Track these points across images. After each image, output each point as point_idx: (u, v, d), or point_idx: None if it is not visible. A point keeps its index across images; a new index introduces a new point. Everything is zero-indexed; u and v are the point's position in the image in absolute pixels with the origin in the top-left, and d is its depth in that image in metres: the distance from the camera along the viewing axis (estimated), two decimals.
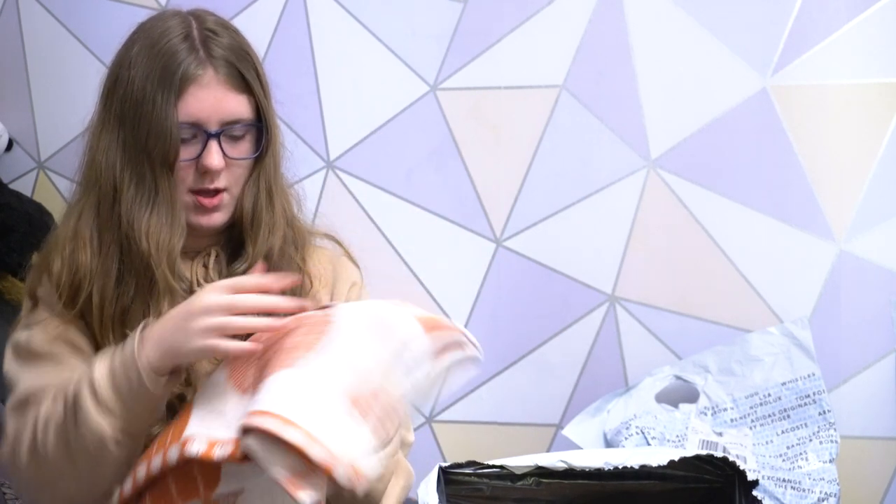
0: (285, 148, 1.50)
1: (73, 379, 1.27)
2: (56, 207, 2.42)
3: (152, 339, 1.23)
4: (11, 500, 1.92)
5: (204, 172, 1.35)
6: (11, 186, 2.44)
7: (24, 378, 1.34)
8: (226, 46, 1.39)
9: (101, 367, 1.25)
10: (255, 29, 2.18)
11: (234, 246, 1.44)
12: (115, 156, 1.38)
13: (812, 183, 2.06)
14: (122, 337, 1.32)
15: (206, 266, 1.40)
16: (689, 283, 2.10)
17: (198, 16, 1.43)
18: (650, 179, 2.12)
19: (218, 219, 1.38)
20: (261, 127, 1.40)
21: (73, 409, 1.24)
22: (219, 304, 1.20)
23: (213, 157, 1.34)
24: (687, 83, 2.11)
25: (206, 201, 1.36)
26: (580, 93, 2.15)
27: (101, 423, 1.22)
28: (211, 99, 1.36)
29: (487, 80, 2.18)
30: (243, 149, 1.38)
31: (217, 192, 1.37)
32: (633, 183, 2.13)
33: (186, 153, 1.35)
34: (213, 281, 1.36)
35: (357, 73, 2.25)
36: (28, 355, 1.36)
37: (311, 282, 1.43)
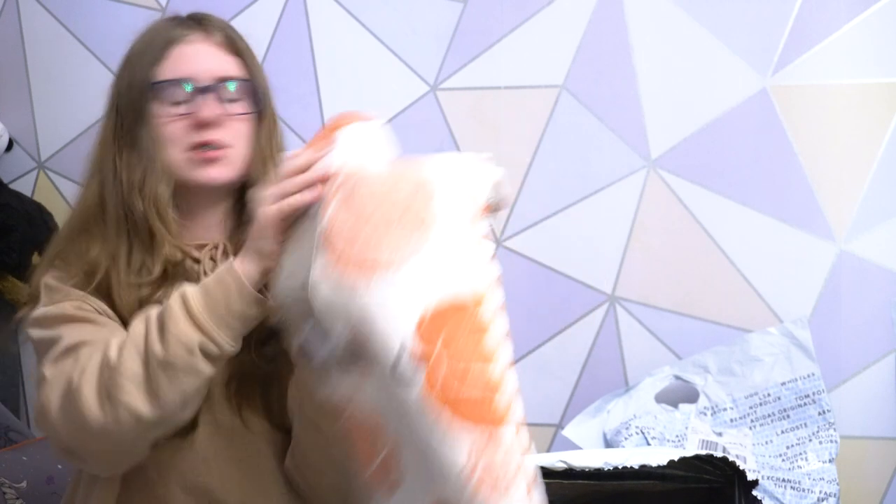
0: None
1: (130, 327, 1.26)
2: (56, 207, 2.42)
3: (239, 256, 1.24)
4: (12, 500, 1.92)
5: (201, 126, 1.36)
6: (11, 186, 2.45)
7: (67, 333, 1.31)
8: (216, 20, 1.44)
9: (191, 288, 1.24)
10: (255, 29, 2.19)
11: (236, 221, 1.44)
12: (110, 136, 1.40)
13: (812, 183, 2.06)
14: (138, 292, 1.33)
15: (213, 259, 1.40)
16: (689, 283, 2.10)
17: (196, 11, 1.46)
18: (650, 179, 2.12)
19: (222, 173, 1.38)
20: (255, 89, 1.41)
21: (158, 324, 1.22)
22: (272, 194, 1.22)
23: (208, 107, 1.35)
24: (687, 83, 2.11)
25: (209, 154, 1.37)
26: (580, 93, 2.15)
27: (191, 332, 1.20)
28: (200, 54, 1.38)
29: (487, 80, 2.19)
30: (240, 106, 1.39)
31: (219, 147, 1.38)
32: (633, 183, 2.13)
33: (179, 108, 1.36)
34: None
35: (357, 73, 2.25)
36: (62, 319, 1.33)
37: None
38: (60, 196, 2.43)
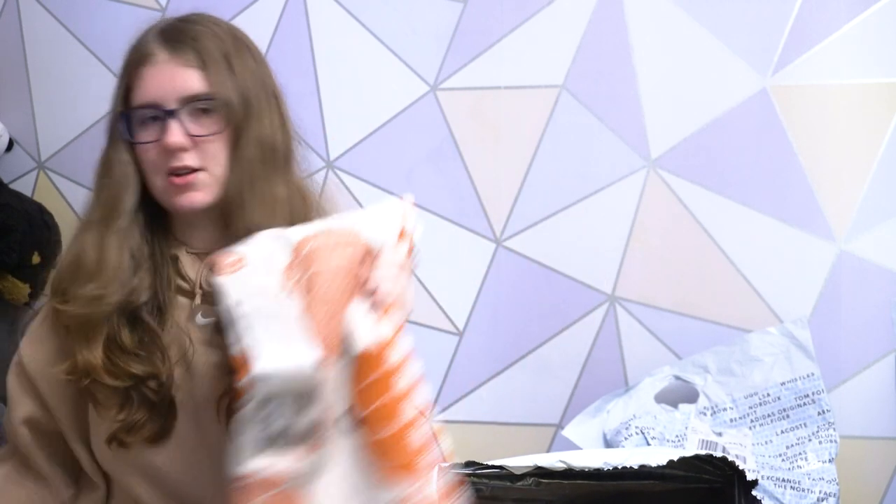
0: (301, 144, 1.48)
1: None
2: (56, 207, 2.42)
3: None
4: None
5: (170, 152, 1.35)
6: (11, 186, 2.45)
7: None
8: (190, 30, 1.38)
9: None
10: (255, 29, 2.18)
11: (231, 235, 1.43)
12: (104, 153, 1.40)
13: (812, 183, 2.06)
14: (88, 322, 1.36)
15: (211, 269, 1.40)
16: (689, 283, 2.10)
17: (185, 15, 1.43)
18: (650, 179, 2.12)
19: (196, 198, 1.36)
20: (229, 103, 1.34)
21: None
22: None
23: (171, 134, 1.33)
24: (687, 83, 2.11)
25: (179, 180, 1.35)
26: (580, 93, 2.15)
27: None
28: (162, 76, 1.35)
29: (487, 80, 2.19)
30: (210, 126, 1.34)
31: (191, 171, 1.36)
32: (633, 183, 2.13)
33: (151, 134, 1.35)
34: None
35: (357, 73, 2.25)
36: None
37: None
38: (60, 196, 2.43)
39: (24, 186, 2.46)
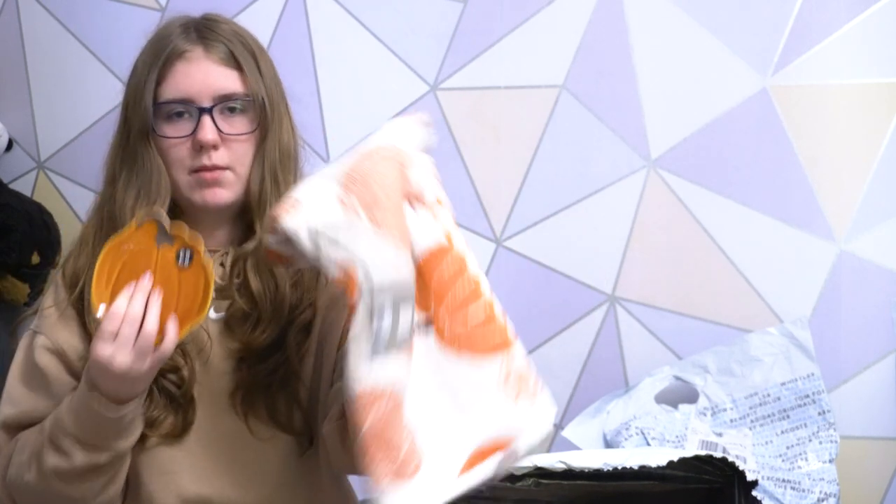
0: (304, 148, 1.49)
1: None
2: (56, 207, 2.42)
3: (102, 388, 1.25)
4: None
5: (200, 148, 1.35)
6: (11, 186, 2.45)
7: (18, 397, 1.38)
8: (220, 30, 1.40)
9: (65, 406, 1.28)
10: (256, 29, 2.17)
11: (245, 232, 1.44)
12: (116, 149, 1.39)
13: (812, 183, 2.06)
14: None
15: (223, 265, 1.40)
16: (689, 283, 2.10)
17: (206, 14, 1.44)
18: (650, 179, 2.12)
19: (222, 195, 1.37)
20: (260, 105, 1.38)
21: (49, 443, 1.28)
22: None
23: (206, 131, 1.33)
24: (687, 83, 2.11)
25: (208, 175, 1.36)
26: (580, 93, 2.15)
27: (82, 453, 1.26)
28: (199, 73, 1.35)
29: (487, 80, 2.18)
30: (241, 125, 1.37)
31: (217, 168, 1.36)
32: (633, 183, 2.13)
33: (180, 130, 1.35)
34: (228, 280, 1.37)
35: (357, 73, 2.25)
36: (26, 373, 1.40)
37: (327, 280, 1.43)
38: (60, 196, 2.43)
39: (23, 186, 2.46)
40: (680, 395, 2.04)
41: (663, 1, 2.10)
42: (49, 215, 2.41)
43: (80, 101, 2.39)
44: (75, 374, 1.34)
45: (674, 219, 2.11)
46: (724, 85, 2.09)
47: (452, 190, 2.18)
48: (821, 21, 2.04)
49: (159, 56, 1.36)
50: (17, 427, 1.36)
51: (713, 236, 2.09)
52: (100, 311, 1.23)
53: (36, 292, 2.39)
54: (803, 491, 1.87)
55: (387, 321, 1.19)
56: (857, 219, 2.04)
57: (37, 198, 2.45)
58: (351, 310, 1.19)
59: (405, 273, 1.19)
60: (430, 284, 1.22)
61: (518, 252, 2.17)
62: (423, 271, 1.22)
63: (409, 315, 1.20)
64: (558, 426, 2.13)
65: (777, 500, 1.85)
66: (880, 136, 2.03)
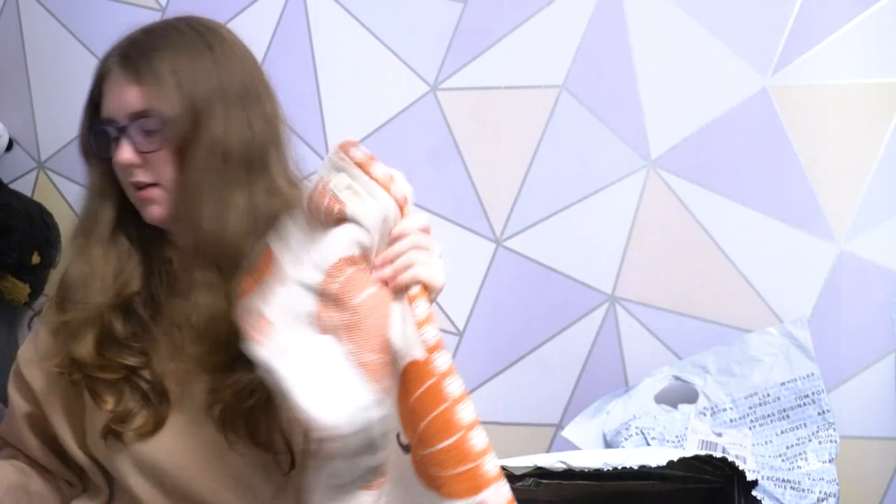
0: (290, 145, 1.46)
1: None
2: (56, 207, 2.42)
3: None
4: None
5: (124, 168, 1.35)
6: (11, 186, 2.45)
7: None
8: (142, 43, 1.38)
9: None
10: (255, 29, 2.19)
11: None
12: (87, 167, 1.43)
13: (812, 183, 2.06)
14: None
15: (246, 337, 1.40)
16: (689, 283, 2.10)
17: (142, 26, 1.43)
18: (650, 179, 2.12)
19: (157, 212, 1.36)
20: (174, 117, 1.32)
21: None
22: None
23: (121, 151, 1.34)
24: (687, 83, 2.11)
25: (140, 194, 1.36)
26: (580, 93, 2.15)
27: None
28: (114, 93, 1.35)
29: (487, 80, 2.19)
30: (157, 141, 1.33)
31: (147, 185, 1.36)
32: (633, 183, 2.13)
33: (111, 151, 1.36)
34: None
35: (357, 73, 2.25)
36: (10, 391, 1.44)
37: None
38: (60, 196, 2.44)
39: (24, 186, 2.46)
40: (680, 395, 2.04)
41: (663, 1, 2.10)
42: (49, 215, 2.41)
43: (80, 102, 2.38)
44: (60, 380, 1.40)
45: (674, 219, 2.11)
46: (724, 85, 2.09)
47: (452, 190, 2.21)
48: (821, 21, 2.04)
49: (95, 76, 1.39)
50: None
51: (713, 236, 2.09)
52: None
53: (36, 292, 2.39)
54: (803, 491, 1.87)
55: (349, 466, 1.16)
56: (857, 219, 2.04)
57: (37, 198, 2.45)
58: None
59: (370, 421, 1.14)
60: (408, 403, 1.16)
61: (518, 252, 2.17)
62: (406, 384, 1.16)
63: (378, 455, 1.16)
64: (558, 426, 2.14)
65: (777, 499, 1.85)
66: (880, 136, 2.03)
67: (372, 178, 1.21)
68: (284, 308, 1.19)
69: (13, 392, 1.44)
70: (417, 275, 1.20)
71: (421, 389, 1.14)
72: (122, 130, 1.33)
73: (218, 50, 1.38)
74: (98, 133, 1.36)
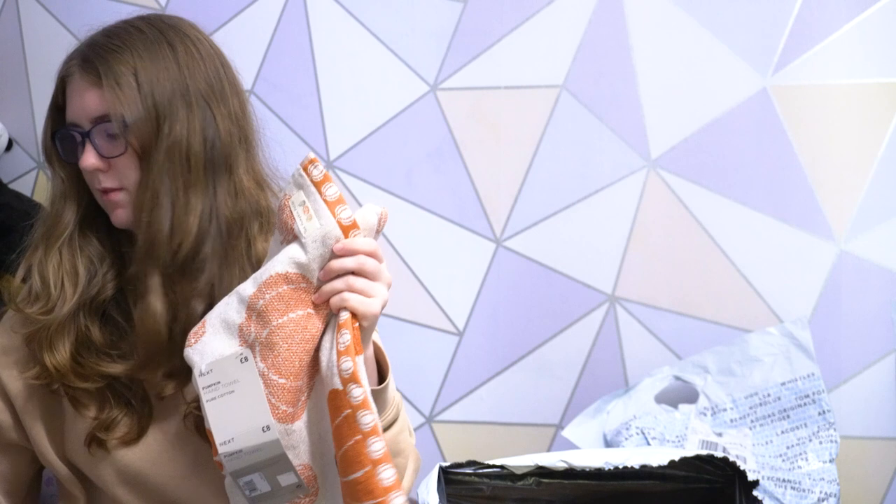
0: (263, 147, 1.44)
1: None
2: None
3: None
4: None
5: (89, 173, 1.35)
6: (11, 186, 2.44)
7: None
8: (102, 45, 1.37)
9: None
10: (255, 29, 2.18)
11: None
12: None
13: (812, 183, 2.06)
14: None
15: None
16: (689, 283, 2.10)
17: (103, 28, 1.42)
18: (650, 179, 2.12)
19: (120, 216, 1.36)
20: (134, 121, 1.32)
21: None
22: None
23: (86, 157, 1.33)
24: (687, 83, 2.11)
25: (105, 198, 1.36)
26: (580, 93, 2.15)
27: None
28: (75, 97, 1.35)
29: (487, 80, 2.18)
30: (120, 145, 1.34)
31: (110, 190, 1.35)
32: (633, 183, 2.13)
33: (77, 156, 1.35)
34: None
35: (357, 73, 2.24)
36: None
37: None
38: None
39: (24, 186, 2.46)
40: (680, 395, 2.04)
41: (663, 1, 2.10)
42: None
43: None
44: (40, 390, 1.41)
45: (674, 219, 2.11)
46: (724, 85, 2.09)
47: (452, 190, 2.20)
48: (821, 21, 2.04)
49: (58, 78, 1.38)
50: None
51: (713, 236, 2.09)
52: None
53: None
54: (803, 491, 1.87)
55: (260, 482, 1.17)
56: (857, 219, 2.04)
57: (37, 198, 2.44)
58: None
59: (271, 439, 1.15)
60: (333, 428, 1.18)
61: (518, 252, 2.17)
62: (329, 409, 1.18)
63: (290, 474, 1.17)
64: (558, 426, 2.14)
65: (777, 499, 1.85)
66: (880, 136, 2.03)
67: (322, 197, 1.21)
68: (219, 314, 1.20)
69: None
70: (346, 301, 1.18)
71: (339, 418, 1.16)
72: (86, 135, 1.33)
73: (180, 49, 1.37)
74: (63, 137, 1.35)
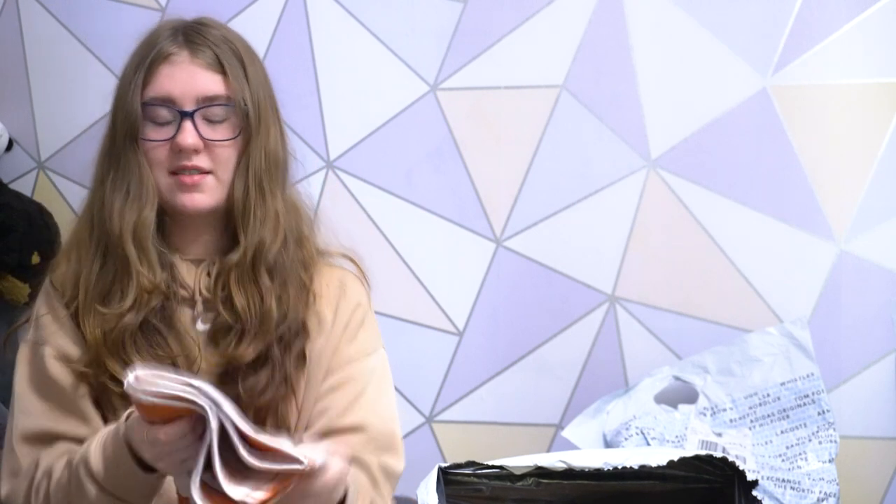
0: (295, 159, 1.47)
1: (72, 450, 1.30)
2: (56, 207, 2.42)
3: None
4: None
5: (179, 151, 1.34)
6: (11, 186, 2.45)
7: (32, 408, 1.36)
8: (208, 34, 1.38)
9: (94, 456, 1.25)
10: (255, 29, 2.18)
11: (229, 242, 1.42)
12: (105, 149, 1.39)
13: (812, 183, 2.06)
14: (102, 322, 1.32)
15: (209, 275, 1.39)
16: (689, 283, 2.11)
17: (197, 18, 1.43)
18: (650, 179, 2.12)
19: (201, 200, 1.35)
20: (243, 110, 1.35)
21: (76, 485, 1.26)
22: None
23: (186, 135, 1.32)
24: (687, 83, 2.11)
25: (186, 178, 1.35)
26: (580, 93, 2.15)
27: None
28: (183, 76, 1.34)
29: (487, 80, 2.19)
30: (224, 131, 1.35)
31: (199, 172, 1.35)
32: (633, 183, 2.13)
33: (162, 133, 1.34)
34: (213, 293, 1.35)
35: (357, 73, 2.25)
36: (35, 383, 1.37)
37: (315, 298, 1.42)
38: (60, 196, 2.43)
39: (23, 186, 2.46)
40: (680, 395, 2.04)
41: (663, 1, 2.10)
42: (49, 215, 2.41)
43: (80, 101, 2.40)
44: (84, 379, 1.34)
45: (674, 219, 2.11)
46: (724, 85, 2.09)
47: (452, 190, 2.20)
48: (821, 21, 2.04)
49: (146, 58, 1.36)
50: (38, 440, 1.34)
51: (713, 236, 2.10)
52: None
53: (36, 292, 2.39)
54: (803, 491, 1.87)
55: None
56: (857, 219, 2.04)
57: (37, 198, 2.45)
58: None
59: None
60: None
61: (518, 252, 2.17)
62: None
63: None
64: (558, 426, 2.14)
65: (777, 499, 1.85)
66: (880, 136, 2.03)
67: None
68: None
69: (54, 371, 1.36)
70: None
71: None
72: (188, 114, 1.33)
73: (259, 59, 1.43)
74: (148, 114, 1.34)
